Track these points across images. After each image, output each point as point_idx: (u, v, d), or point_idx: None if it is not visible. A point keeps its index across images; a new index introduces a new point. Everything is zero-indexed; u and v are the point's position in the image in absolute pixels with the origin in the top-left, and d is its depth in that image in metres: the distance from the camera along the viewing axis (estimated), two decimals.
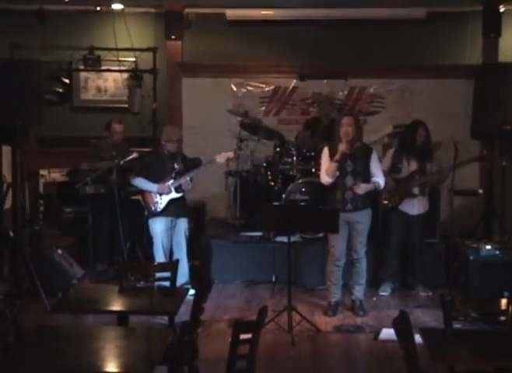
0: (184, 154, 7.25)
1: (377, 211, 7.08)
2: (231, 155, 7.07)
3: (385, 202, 7.06)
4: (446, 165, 6.98)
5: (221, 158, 6.94)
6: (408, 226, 7.14)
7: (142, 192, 7.05)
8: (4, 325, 3.81)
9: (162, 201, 6.92)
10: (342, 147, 6.30)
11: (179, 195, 6.96)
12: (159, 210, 6.92)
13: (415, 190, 7.04)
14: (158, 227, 6.95)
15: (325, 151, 6.53)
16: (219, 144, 7.91)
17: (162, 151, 7.01)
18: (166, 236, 6.96)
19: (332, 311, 6.54)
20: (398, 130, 7.94)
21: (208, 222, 8.54)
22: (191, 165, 7.05)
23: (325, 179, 6.44)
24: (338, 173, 6.36)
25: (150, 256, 7.22)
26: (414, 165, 7.06)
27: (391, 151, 7.22)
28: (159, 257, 6.93)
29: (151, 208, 6.93)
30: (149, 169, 6.98)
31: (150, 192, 6.92)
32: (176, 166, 6.96)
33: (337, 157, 6.31)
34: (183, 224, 7.02)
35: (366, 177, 6.42)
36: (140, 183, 6.99)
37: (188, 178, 6.90)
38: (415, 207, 7.08)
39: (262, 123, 8.25)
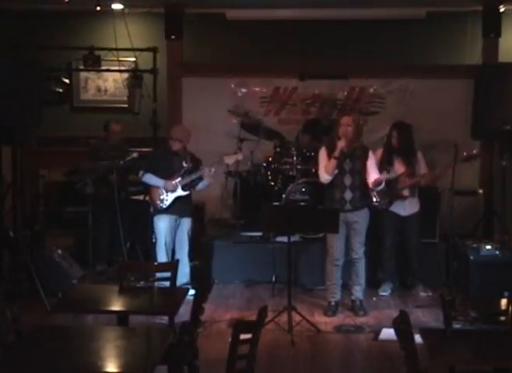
0: (194, 154, 7.18)
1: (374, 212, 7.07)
2: (240, 157, 7.09)
3: (375, 204, 7.02)
4: (437, 165, 7.02)
5: (230, 159, 6.97)
6: (401, 226, 7.15)
7: (149, 188, 7.06)
8: (4, 325, 3.81)
9: (168, 198, 6.92)
10: (341, 143, 6.31)
11: (185, 193, 6.96)
12: (164, 207, 6.92)
13: (405, 192, 7.05)
14: (162, 224, 6.96)
15: (323, 151, 6.54)
16: (219, 144, 7.89)
17: (170, 148, 7.01)
18: (170, 235, 6.97)
19: (332, 311, 6.55)
20: None
21: (208, 222, 8.54)
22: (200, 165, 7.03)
23: (324, 176, 6.45)
24: (337, 171, 6.37)
25: (151, 255, 7.22)
26: (402, 167, 7.06)
27: (377, 153, 7.02)
28: (161, 255, 6.93)
29: (157, 205, 6.93)
30: (156, 165, 6.99)
31: (157, 188, 6.93)
32: (184, 165, 6.96)
33: (336, 153, 6.33)
34: (186, 224, 7.03)
35: (364, 176, 6.44)
36: (149, 178, 6.99)
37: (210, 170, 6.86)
38: (406, 208, 7.09)
39: (262, 123, 8.24)
